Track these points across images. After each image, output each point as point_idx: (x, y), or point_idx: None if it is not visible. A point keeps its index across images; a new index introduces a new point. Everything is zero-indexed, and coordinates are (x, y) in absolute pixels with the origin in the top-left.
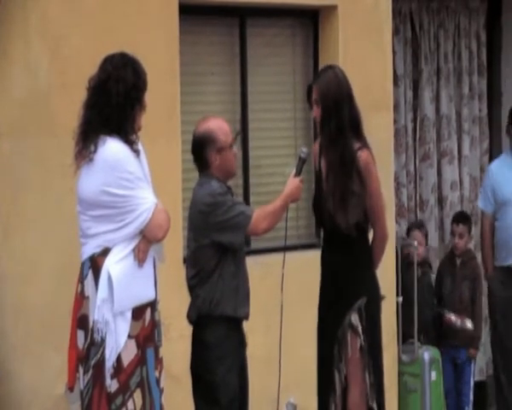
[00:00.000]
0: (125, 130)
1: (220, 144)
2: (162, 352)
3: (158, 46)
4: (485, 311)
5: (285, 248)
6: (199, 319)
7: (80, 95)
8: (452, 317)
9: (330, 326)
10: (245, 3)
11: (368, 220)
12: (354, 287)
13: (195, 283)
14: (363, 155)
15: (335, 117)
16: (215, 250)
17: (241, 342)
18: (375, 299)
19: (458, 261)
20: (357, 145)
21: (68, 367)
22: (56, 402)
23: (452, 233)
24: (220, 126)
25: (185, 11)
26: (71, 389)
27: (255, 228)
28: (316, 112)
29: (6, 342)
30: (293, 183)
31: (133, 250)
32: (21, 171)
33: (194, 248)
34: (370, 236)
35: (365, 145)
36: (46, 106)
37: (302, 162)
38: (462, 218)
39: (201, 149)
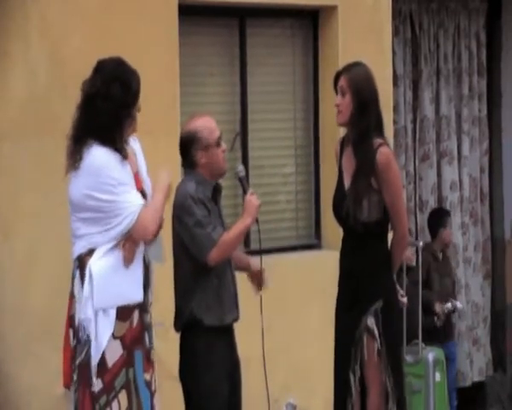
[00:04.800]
0: (114, 140)
1: (205, 142)
2: (158, 352)
3: (158, 47)
4: (485, 311)
5: (261, 251)
6: (185, 327)
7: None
8: (441, 307)
9: (348, 328)
10: (245, 4)
11: (387, 220)
12: (371, 289)
13: (179, 294)
14: (384, 150)
15: (368, 114)
16: (192, 260)
17: (230, 345)
18: (391, 301)
19: (440, 255)
20: (378, 142)
21: (63, 366)
22: (55, 403)
23: (441, 233)
24: (205, 124)
25: (185, 12)
26: (67, 386)
27: (210, 258)
28: (339, 100)
29: (5, 343)
30: (249, 203)
31: (117, 247)
32: (21, 171)
33: (176, 255)
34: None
35: (386, 143)
36: (46, 106)
37: (243, 180)
38: (445, 219)
39: (187, 148)
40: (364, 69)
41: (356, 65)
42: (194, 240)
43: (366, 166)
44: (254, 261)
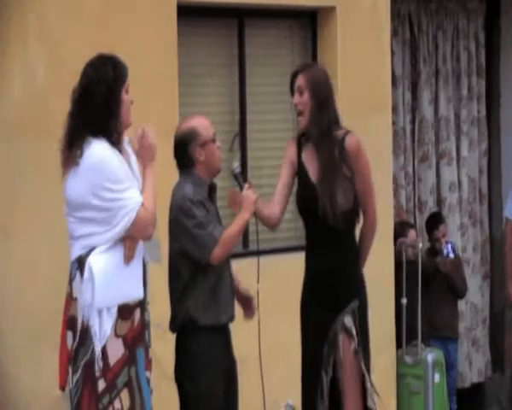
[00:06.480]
0: (110, 130)
1: (203, 138)
2: (156, 353)
3: (156, 47)
4: (484, 312)
5: (258, 252)
6: (181, 327)
7: None
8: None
9: (319, 327)
10: (243, 4)
11: (356, 212)
12: (347, 287)
13: (175, 296)
14: (351, 137)
15: (327, 111)
16: (190, 263)
17: (226, 346)
18: (365, 299)
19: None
20: (342, 131)
21: (60, 367)
22: (55, 404)
23: (436, 237)
24: (200, 122)
25: (183, 12)
26: (62, 388)
27: (213, 257)
28: (297, 99)
29: (5, 343)
30: (245, 198)
31: (117, 245)
32: (21, 172)
33: (173, 257)
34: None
35: (350, 131)
36: (44, 107)
37: (239, 176)
38: (441, 218)
39: (185, 146)
40: (321, 68)
41: (312, 65)
42: (196, 241)
43: (334, 157)
44: (244, 288)
